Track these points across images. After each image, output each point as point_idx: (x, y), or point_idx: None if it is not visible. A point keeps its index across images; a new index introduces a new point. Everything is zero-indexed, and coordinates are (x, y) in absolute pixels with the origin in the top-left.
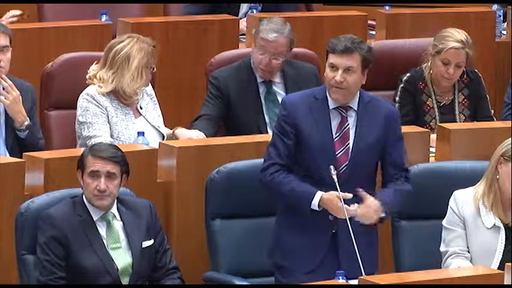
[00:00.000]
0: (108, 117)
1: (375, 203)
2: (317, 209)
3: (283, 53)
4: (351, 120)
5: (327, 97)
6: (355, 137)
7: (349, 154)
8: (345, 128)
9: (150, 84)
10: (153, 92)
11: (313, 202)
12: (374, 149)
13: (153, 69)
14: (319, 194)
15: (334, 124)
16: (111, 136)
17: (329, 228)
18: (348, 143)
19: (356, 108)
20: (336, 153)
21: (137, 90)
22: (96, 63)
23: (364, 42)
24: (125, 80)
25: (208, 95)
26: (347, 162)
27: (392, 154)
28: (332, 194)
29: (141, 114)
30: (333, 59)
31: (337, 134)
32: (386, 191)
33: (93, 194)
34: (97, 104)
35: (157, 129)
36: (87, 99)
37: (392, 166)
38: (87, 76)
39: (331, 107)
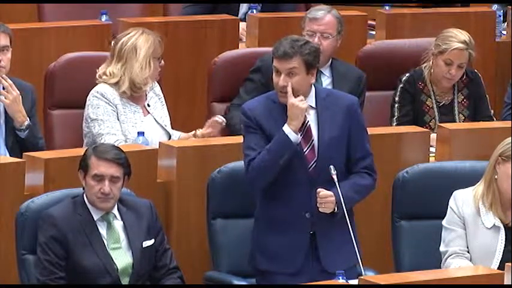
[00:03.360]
0: (117, 114)
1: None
2: (296, 135)
3: (332, 34)
4: (311, 118)
5: None
6: (318, 132)
7: (316, 150)
8: (306, 125)
9: (158, 84)
10: (161, 92)
11: (287, 132)
12: (340, 142)
13: (161, 62)
14: (286, 125)
15: None
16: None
17: (307, 228)
18: (313, 140)
19: (314, 105)
20: (303, 151)
21: (147, 80)
22: (103, 65)
23: (307, 44)
24: (134, 70)
25: (248, 82)
26: (316, 158)
27: (356, 146)
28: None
29: (149, 113)
30: (275, 63)
31: (300, 133)
32: (343, 186)
33: (97, 197)
34: (107, 102)
35: (164, 128)
36: (97, 97)
37: (355, 158)
38: (96, 76)
39: None
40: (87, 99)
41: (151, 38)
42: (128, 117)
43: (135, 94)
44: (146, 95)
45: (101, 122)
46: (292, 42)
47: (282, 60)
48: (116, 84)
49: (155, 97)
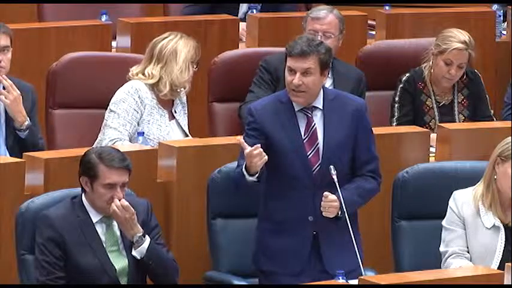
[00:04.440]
0: (142, 115)
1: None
2: (251, 178)
3: (334, 33)
4: (318, 120)
5: (291, 100)
6: (324, 136)
7: (320, 154)
8: (312, 128)
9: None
10: (185, 100)
11: (243, 172)
12: (345, 146)
13: (196, 67)
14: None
15: (302, 126)
16: (131, 136)
17: (310, 230)
18: (318, 143)
19: (321, 107)
20: (307, 154)
21: (185, 83)
22: (137, 66)
23: (322, 44)
24: (174, 73)
25: (257, 79)
26: (320, 161)
27: (362, 149)
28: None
29: (174, 118)
30: (290, 62)
31: (306, 136)
32: (348, 189)
33: (108, 203)
34: (137, 99)
35: (186, 133)
36: (129, 92)
37: (361, 162)
38: (129, 74)
39: (296, 109)
40: (118, 91)
41: (191, 42)
42: (155, 118)
43: (171, 97)
44: (173, 102)
45: (116, 116)
46: (308, 41)
47: (298, 58)
48: (154, 85)
49: (180, 105)
